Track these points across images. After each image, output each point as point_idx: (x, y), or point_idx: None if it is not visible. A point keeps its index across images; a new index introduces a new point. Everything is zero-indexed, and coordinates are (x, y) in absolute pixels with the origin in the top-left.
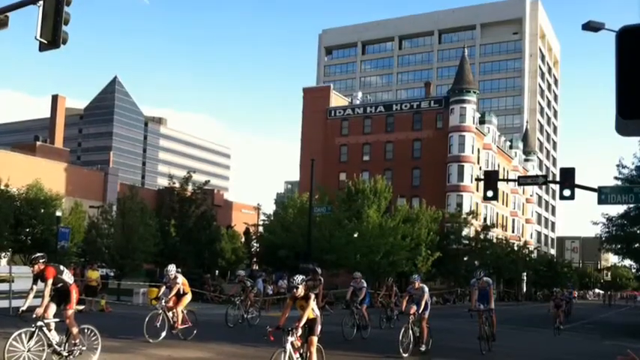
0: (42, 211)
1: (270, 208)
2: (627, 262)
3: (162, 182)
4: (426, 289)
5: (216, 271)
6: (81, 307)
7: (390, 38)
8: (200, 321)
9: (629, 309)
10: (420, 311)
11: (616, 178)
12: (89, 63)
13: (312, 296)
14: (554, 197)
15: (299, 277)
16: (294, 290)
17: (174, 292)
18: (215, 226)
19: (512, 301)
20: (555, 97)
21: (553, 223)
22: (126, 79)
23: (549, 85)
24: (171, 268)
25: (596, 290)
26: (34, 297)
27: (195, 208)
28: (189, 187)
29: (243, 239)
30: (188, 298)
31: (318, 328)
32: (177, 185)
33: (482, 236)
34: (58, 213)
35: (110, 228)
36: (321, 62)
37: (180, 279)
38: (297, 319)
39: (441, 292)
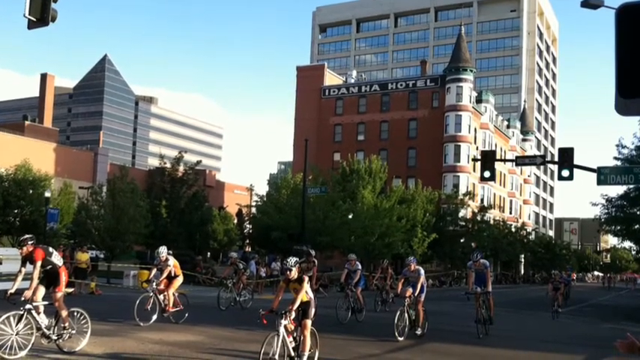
0: (30, 192)
1: (263, 188)
2: (627, 243)
3: (154, 162)
4: (422, 271)
5: (208, 253)
6: (70, 290)
7: (386, 15)
8: (192, 304)
9: (628, 292)
10: (415, 294)
11: (615, 158)
12: (79, 41)
13: (306, 279)
14: (552, 178)
15: (292, 260)
16: (288, 273)
17: (165, 274)
18: (207, 207)
19: (509, 284)
20: (554, 76)
21: (551, 204)
22: (116, 57)
23: (547, 64)
24: (163, 250)
25: (596, 273)
26: (23, 279)
27: (187, 188)
28: (181, 168)
29: (235, 221)
30: (179, 280)
31: (312, 311)
32: (168, 165)
33: (479, 218)
34: (47, 194)
35: (100, 209)
36: (315, 40)
37: (172, 261)
38: (291, 302)
39: (437, 274)
